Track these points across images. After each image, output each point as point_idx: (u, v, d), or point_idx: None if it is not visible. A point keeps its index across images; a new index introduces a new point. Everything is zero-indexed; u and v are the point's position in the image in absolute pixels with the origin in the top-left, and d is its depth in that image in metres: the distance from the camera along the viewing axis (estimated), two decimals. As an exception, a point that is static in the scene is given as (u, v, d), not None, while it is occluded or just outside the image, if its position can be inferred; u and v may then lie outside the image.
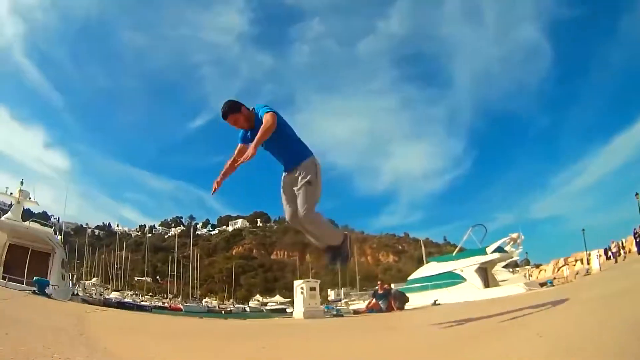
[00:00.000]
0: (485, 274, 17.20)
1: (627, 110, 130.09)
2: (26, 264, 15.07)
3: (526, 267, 42.02)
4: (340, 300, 40.17)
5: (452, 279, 16.70)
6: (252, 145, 3.21)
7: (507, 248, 18.55)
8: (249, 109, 3.49)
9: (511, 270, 23.28)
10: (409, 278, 19.70)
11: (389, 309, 10.44)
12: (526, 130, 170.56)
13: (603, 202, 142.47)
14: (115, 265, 70.30)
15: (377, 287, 11.67)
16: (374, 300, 11.28)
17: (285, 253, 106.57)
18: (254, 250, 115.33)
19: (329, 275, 60.70)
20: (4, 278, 13.53)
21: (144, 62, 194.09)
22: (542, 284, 18.49)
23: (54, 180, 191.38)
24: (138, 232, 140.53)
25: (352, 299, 47.39)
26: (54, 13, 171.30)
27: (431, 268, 18.79)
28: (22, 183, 20.13)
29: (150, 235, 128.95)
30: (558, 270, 36.55)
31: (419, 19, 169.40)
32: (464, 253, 18.42)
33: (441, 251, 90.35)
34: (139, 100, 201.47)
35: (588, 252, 27.92)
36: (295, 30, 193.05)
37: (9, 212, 17.76)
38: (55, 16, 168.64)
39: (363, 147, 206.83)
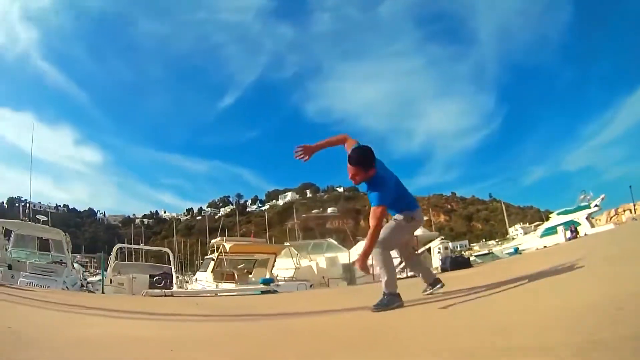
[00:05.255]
0: (590, 220, 27.51)
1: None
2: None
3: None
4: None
5: (573, 224, 26.95)
6: (360, 256, 3.04)
7: (599, 204, 28.54)
8: (373, 168, 3.13)
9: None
10: (547, 226, 30.02)
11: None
12: (553, 83, 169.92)
13: (633, 153, 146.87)
14: (175, 252, 71.58)
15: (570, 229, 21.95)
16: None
17: (340, 221, 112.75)
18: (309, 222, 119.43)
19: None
20: None
21: (166, 50, 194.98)
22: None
23: (88, 176, 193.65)
24: (187, 215, 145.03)
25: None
26: (67, 13, 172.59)
27: (559, 219, 29.01)
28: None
29: (199, 217, 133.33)
30: (610, 219, 43.57)
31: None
32: (578, 207, 28.48)
33: (487, 208, 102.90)
34: (164, 87, 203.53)
35: (634, 203, 36.26)
36: (314, 0, 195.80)
37: None
38: (70, 16, 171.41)
39: (394, 109, 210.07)
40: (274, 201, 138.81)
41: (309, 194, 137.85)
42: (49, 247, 15.38)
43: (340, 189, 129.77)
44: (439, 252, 16.90)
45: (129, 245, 26.81)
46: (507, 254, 26.96)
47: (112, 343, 2.33)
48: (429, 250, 17.97)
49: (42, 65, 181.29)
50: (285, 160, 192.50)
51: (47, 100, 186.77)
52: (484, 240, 74.79)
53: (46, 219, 17.79)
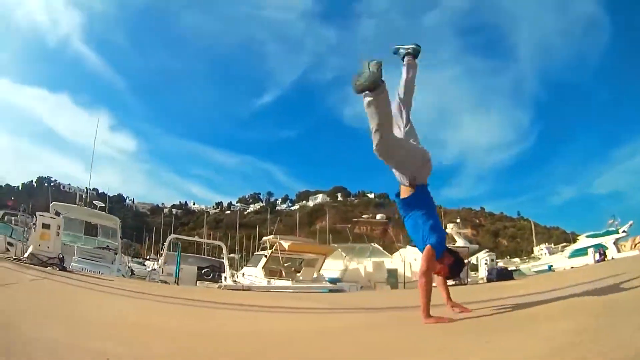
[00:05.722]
0: (617, 245, 29.07)
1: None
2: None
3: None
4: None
5: (601, 247, 28.63)
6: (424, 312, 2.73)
7: (627, 230, 29.95)
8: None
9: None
10: (575, 247, 31.67)
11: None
12: (588, 103, 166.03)
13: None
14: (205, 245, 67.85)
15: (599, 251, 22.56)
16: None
17: (369, 227, 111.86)
18: (337, 225, 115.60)
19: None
20: None
21: (207, 42, 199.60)
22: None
23: (120, 162, 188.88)
24: (216, 209, 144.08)
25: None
26: (112, 0, 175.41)
27: (587, 241, 30.68)
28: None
29: (228, 212, 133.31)
30: (635, 246, 43.98)
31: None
32: (607, 232, 29.88)
33: (515, 225, 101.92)
34: (202, 79, 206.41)
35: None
36: (361, 5, 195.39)
37: None
38: (114, 3, 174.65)
39: (430, 118, 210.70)
40: (304, 202, 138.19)
41: (339, 198, 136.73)
42: (94, 232, 15.56)
43: (371, 195, 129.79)
44: (485, 264, 18.24)
45: (184, 237, 26.50)
46: (536, 271, 28.09)
47: (294, 337, 2.75)
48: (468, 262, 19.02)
49: (82, 50, 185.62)
50: (318, 161, 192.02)
51: (84, 83, 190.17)
52: (508, 257, 74.64)
53: (103, 205, 18.35)
